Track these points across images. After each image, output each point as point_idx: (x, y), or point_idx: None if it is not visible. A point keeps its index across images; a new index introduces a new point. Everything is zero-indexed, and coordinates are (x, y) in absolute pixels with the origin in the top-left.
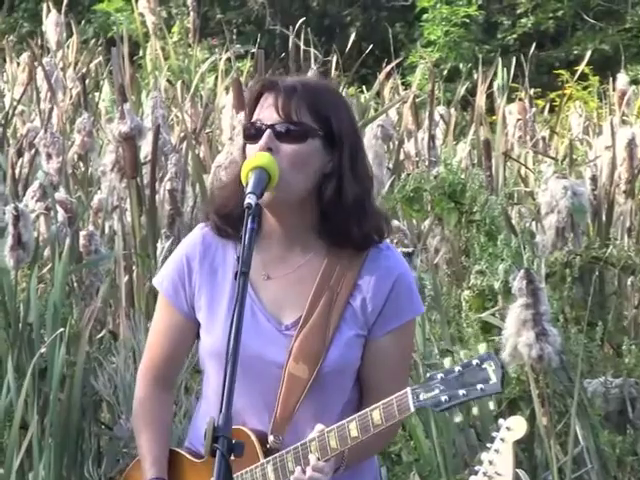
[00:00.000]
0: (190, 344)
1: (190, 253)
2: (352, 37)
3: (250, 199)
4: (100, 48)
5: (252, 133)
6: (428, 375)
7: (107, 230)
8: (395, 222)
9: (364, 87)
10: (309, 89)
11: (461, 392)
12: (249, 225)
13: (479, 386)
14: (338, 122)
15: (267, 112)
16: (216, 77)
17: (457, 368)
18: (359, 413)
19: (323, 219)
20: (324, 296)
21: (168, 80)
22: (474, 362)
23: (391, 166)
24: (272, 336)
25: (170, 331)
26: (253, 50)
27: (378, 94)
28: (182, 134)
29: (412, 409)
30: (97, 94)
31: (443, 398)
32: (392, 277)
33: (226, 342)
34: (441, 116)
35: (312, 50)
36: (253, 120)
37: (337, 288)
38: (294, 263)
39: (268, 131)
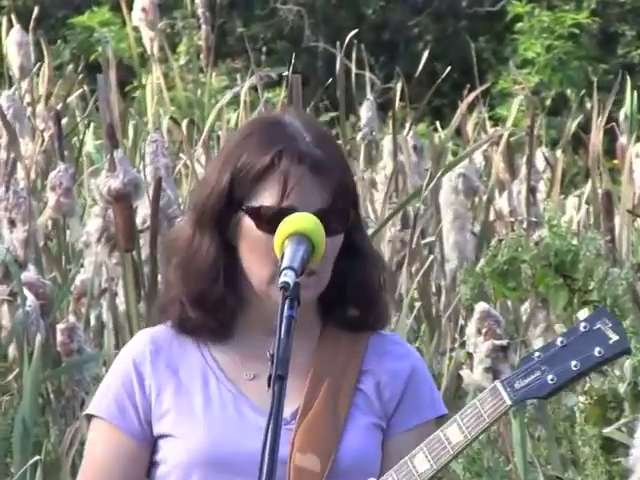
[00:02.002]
0: (142, 477)
1: (137, 357)
2: (423, 56)
3: (287, 277)
4: (81, 76)
5: (278, 222)
6: (520, 359)
7: (93, 322)
8: (483, 305)
9: (438, 123)
10: (332, 150)
11: (573, 364)
12: (287, 312)
13: (596, 350)
14: (355, 192)
15: (301, 193)
16: (238, 112)
17: (559, 339)
18: (425, 441)
19: (322, 297)
20: (325, 383)
21: (173, 118)
22: (581, 326)
23: (477, 230)
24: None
25: (117, 464)
26: (287, 74)
27: (458, 132)
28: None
29: (509, 403)
30: (78, 138)
31: (549, 377)
32: (408, 363)
33: (215, 448)
34: (545, 160)
35: (367, 74)
36: (284, 205)
37: (339, 374)
38: None
39: None
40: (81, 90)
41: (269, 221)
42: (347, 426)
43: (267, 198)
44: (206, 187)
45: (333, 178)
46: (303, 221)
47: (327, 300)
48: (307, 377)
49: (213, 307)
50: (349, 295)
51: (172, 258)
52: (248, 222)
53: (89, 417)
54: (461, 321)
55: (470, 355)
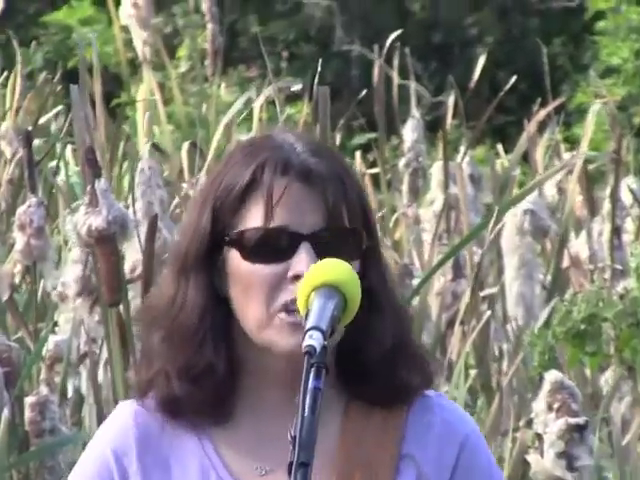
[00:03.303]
0: None
1: (119, 447)
2: (481, 62)
3: (314, 339)
4: (59, 88)
5: (270, 247)
6: None
7: (70, 394)
8: (555, 374)
9: (501, 146)
10: (330, 159)
11: None
12: (312, 383)
13: None
14: (368, 213)
15: (291, 209)
16: (251, 130)
17: None
18: None
19: (341, 362)
20: (356, 475)
21: (155, 145)
22: None
23: (548, 280)
24: None
25: None
26: (312, 84)
27: (525, 158)
28: None
29: None
30: (52, 164)
31: None
32: (457, 436)
33: None
34: (632, 193)
35: (413, 85)
36: (272, 226)
37: (373, 461)
38: None
39: (306, 246)
40: (58, 108)
41: (256, 248)
42: None
43: (251, 221)
44: (185, 232)
45: (331, 190)
46: (334, 269)
47: (343, 368)
48: (332, 468)
49: (201, 376)
50: (365, 359)
51: (153, 325)
52: (233, 255)
53: None
54: (527, 394)
55: (539, 436)
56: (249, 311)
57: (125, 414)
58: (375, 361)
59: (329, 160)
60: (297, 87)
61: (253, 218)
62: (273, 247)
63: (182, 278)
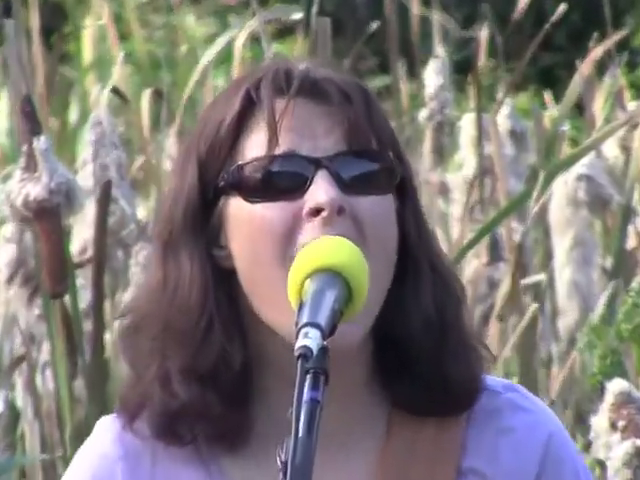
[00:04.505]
0: None
1: (103, 478)
2: None
3: (309, 338)
4: None
5: (277, 180)
6: None
7: (2, 409)
8: (620, 384)
9: (546, 93)
10: (342, 73)
11: None
12: (307, 394)
13: None
14: (395, 138)
15: (298, 128)
16: (231, 74)
17: None
18: None
19: (380, 356)
20: None
21: (115, 89)
22: None
23: (609, 264)
24: None
25: None
26: (308, 16)
27: (579, 108)
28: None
29: None
30: None
31: None
32: (538, 439)
33: None
34: None
35: (436, 16)
36: (278, 153)
37: None
38: (334, 455)
39: (323, 172)
40: None
41: (260, 183)
42: None
43: (250, 152)
44: (168, 197)
45: (351, 104)
46: (333, 250)
47: (384, 363)
48: None
49: (211, 373)
50: (402, 338)
51: (141, 326)
52: (232, 202)
53: None
54: (584, 408)
55: (600, 463)
56: (259, 273)
57: (109, 435)
58: (416, 341)
59: (344, 74)
60: (296, 16)
61: (253, 149)
62: (281, 179)
63: (170, 253)
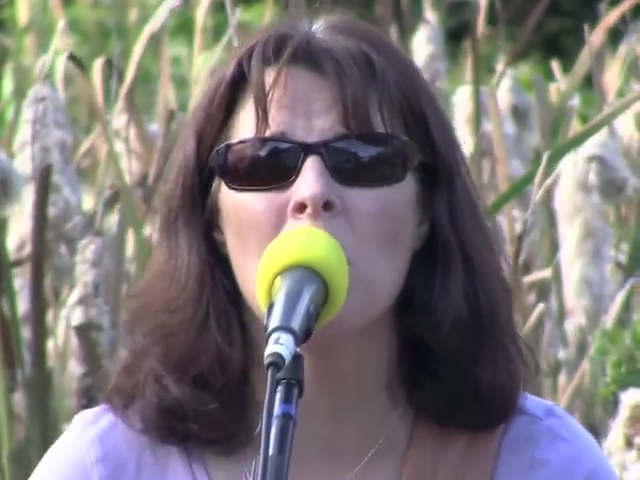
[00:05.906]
0: None
1: None
2: None
3: (280, 344)
4: None
5: (261, 167)
6: None
7: None
8: (636, 395)
9: (554, 64)
10: (369, 38)
11: None
12: (279, 408)
13: None
14: (441, 132)
15: (295, 112)
16: (191, 43)
17: None
18: None
19: (406, 360)
20: None
21: (73, 57)
22: None
23: (624, 258)
24: None
25: None
26: None
27: (589, 80)
28: (112, 189)
29: None
30: None
31: None
32: (574, 476)
33: None
34: None
35: None
36: (266, 135)
37: None
38: (346, 468)
39: (314, 160)
40: None
41: (246, 170)
42: None
43: (241, 128)
44: (171, 177)
45: (352, 76)
46: (306, 243)
47: (410, 369)
48: None
49: (207, 372)
50: (427, 339)
51: (143, 317)
52: (223, 186)
53: None
54: (596, 422)
55: None
56: (249, 266)
57: (87, 434)
58: (442, 341)
59: (356, 35)
60: None
61: (243, 127)
62: (268, 167)
63: (171, 235)
